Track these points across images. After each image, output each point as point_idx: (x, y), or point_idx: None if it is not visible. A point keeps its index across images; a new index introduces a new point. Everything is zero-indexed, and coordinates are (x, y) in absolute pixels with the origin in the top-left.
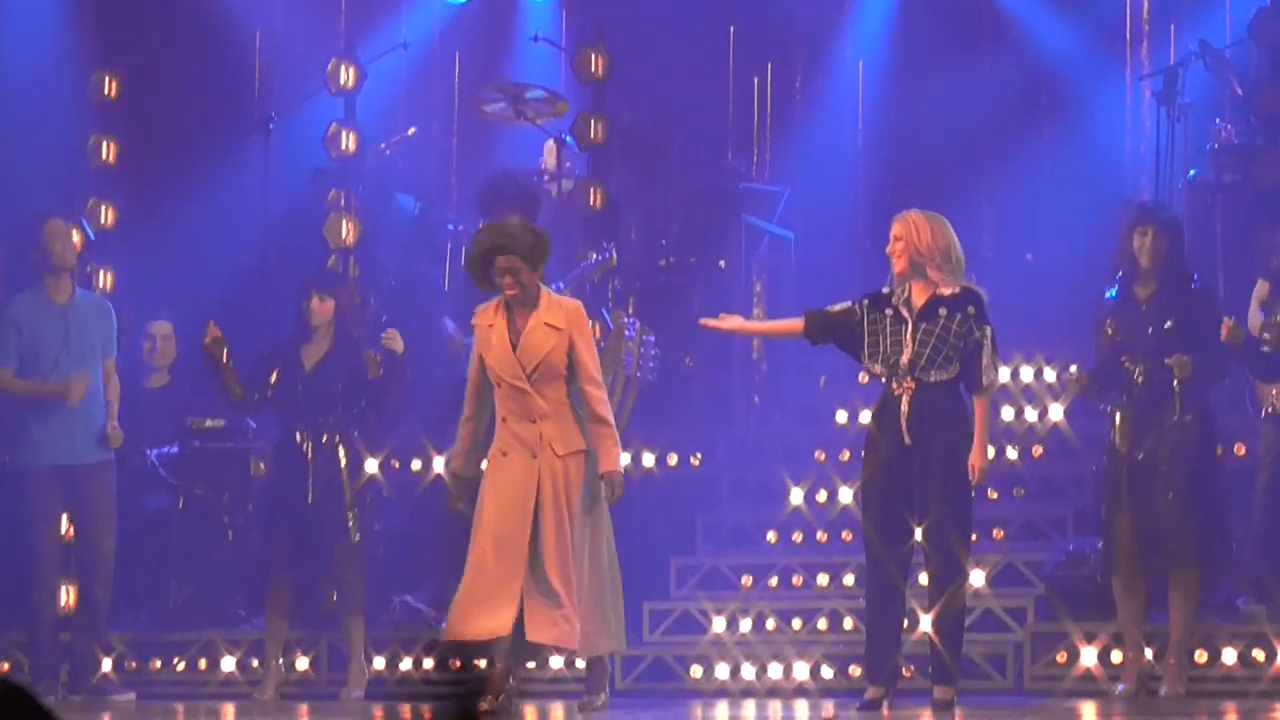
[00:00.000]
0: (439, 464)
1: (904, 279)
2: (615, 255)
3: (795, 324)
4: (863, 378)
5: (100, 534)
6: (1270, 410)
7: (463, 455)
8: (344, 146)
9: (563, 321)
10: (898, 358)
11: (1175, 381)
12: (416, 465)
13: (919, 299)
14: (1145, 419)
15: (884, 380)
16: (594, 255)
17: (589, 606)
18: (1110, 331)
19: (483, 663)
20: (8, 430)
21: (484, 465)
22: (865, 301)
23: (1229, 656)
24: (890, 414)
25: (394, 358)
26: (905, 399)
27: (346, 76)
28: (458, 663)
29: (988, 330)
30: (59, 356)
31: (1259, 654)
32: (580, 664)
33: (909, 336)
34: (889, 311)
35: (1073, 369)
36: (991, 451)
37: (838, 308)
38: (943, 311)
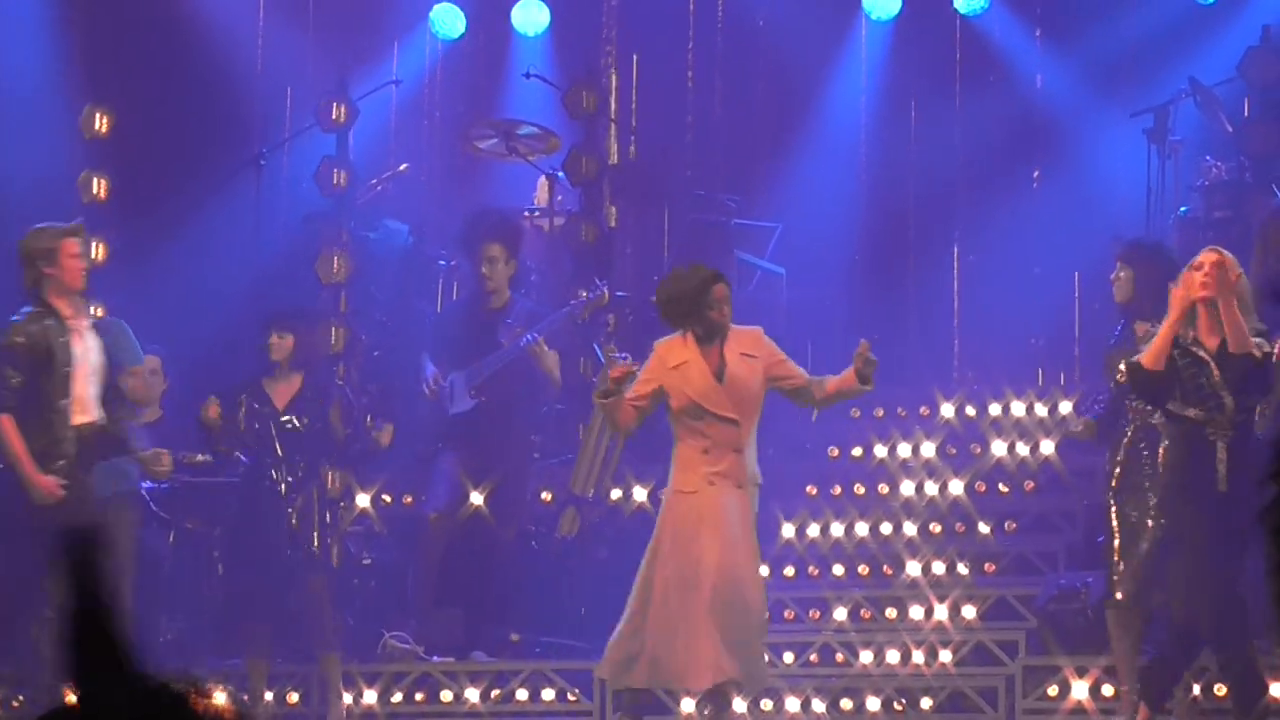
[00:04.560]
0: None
1: (1189, 316)
2: (606, 293)
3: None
4: (855, 412)
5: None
6: None
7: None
8: (335, 183)
9: (756, 349)
10: (1216, 402)
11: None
12: (408, 500)
13: (1210, 340)
14: (1138, 458)
15: (1197, 423)
16: (584, 293)
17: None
18: (1110, 369)
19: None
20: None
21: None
22: None
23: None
24: (1202, 459)
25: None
26: (1222, 445)
27: (338, 113)
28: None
29: None
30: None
31: None
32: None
33: (1220, 379)
34: (1175, 351)
35: (1077, 423)
36: None
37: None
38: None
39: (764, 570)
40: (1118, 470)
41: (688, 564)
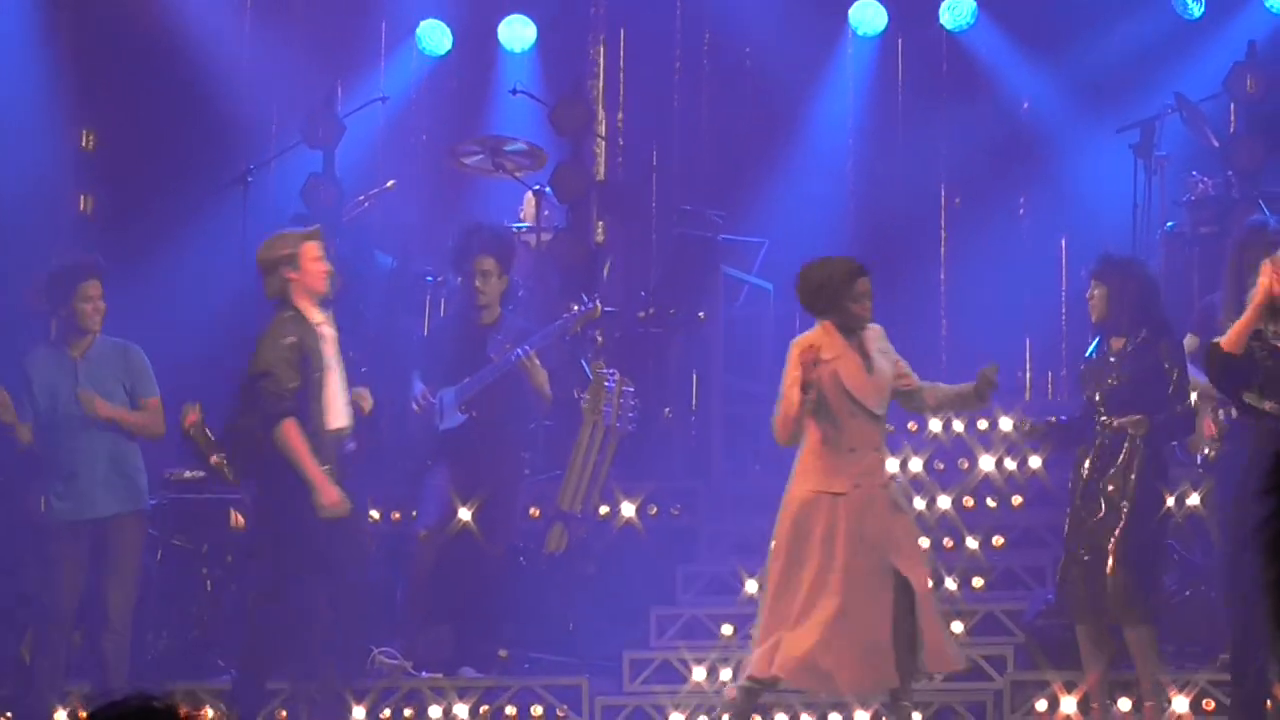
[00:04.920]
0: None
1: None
2: (599, 305)
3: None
4: None
5: (109, 587)
6: (1207, 456)
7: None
8: (322, 199)
9: (885, 346)
10: None
11: (1135, 439)
12: (396, 516)
13: None
14: (1100, 472)
15: (1274, 416)
16: (576, 306)
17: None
18: (1084, 384)
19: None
20: (35, 484)
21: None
22: None
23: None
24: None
25: (362, 415)
26: None
27: (325, 129)
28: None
29: None
30: (67, 409)
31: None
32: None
33: None
34: (1255, 343)
35: (1024, 422)
36: None
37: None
38: None
39: (751, 586)
40: (1082, 482)
41: (854, 569)
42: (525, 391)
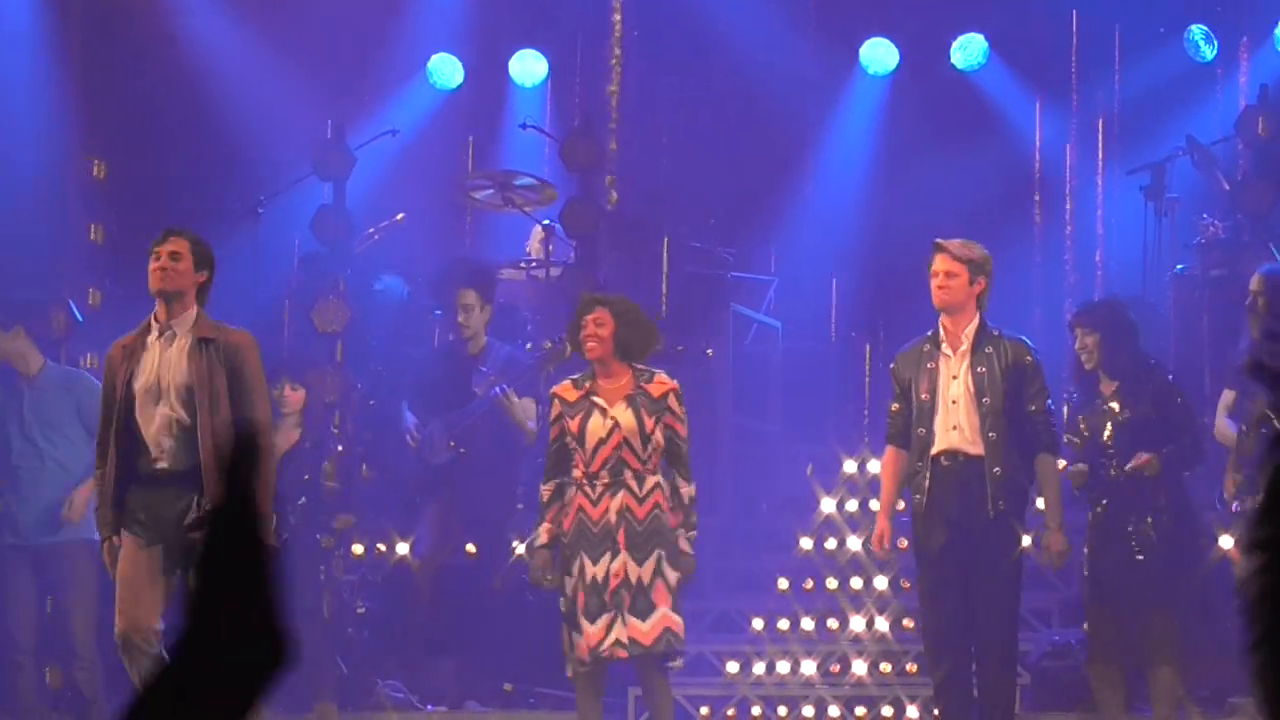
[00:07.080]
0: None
1: None
2: (568, 347)
3: None
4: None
5: (73, 615)
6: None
7: None
8: (332, 231)
9: None
10: None
11: (1149, 479)
12: (401, 548)
13: None
14: (1121, 513)
15: None
16: (548, 343)
17: None
18: (1084, 429)
19: None
20: None
21: None
22: None
23: None
24: None
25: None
26: None
27: (336, 162)
28: None
29: None
30: (13, 432)
31: None
32: None
33: None
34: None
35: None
36: None
37: None
38: None
39: (758, 623)
40: (1101, 525)
41: None
42: (510, 427)
